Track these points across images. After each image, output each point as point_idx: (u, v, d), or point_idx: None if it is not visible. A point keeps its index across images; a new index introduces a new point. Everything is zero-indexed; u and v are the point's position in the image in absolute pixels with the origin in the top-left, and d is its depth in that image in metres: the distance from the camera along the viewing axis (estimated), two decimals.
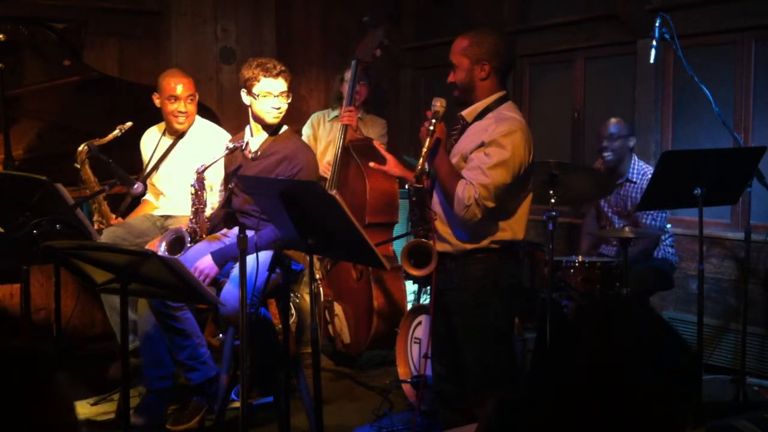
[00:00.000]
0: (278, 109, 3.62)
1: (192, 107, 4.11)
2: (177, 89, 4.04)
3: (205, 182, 3.72)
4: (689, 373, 1.28)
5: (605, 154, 4.33)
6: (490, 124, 2.92)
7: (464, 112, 3.04)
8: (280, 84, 3.60)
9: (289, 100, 3.65)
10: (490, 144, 2.85)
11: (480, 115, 2.99)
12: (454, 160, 2.97)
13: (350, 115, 4.65)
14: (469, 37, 2.99)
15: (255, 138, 3.70)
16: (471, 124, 3.01)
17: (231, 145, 3.63)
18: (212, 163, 3.68)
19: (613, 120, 4.36)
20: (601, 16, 5.21)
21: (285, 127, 3.74)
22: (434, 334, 3.17)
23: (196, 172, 3.66)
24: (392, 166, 3.17)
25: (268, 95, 3.58)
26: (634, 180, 4.32)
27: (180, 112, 4.07)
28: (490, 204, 2.83)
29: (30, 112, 4.76)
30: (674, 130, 4.95)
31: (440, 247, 3.01)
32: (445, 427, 3.02)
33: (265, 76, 3.57)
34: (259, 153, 3.64)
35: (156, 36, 6.02)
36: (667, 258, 4.36)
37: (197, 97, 4.16)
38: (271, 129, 3.69)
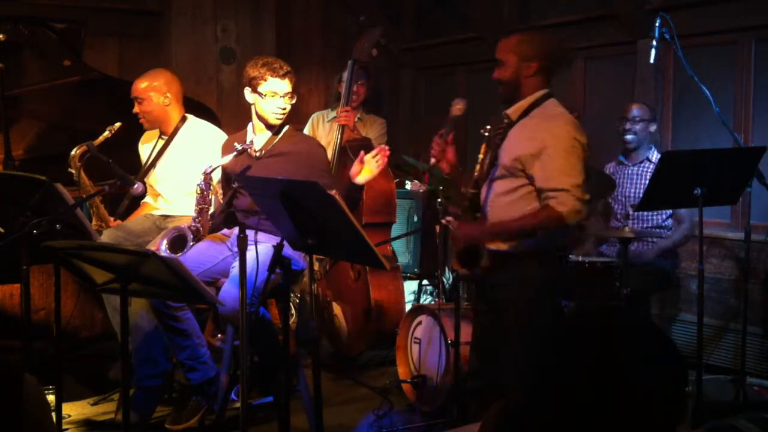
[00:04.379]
0: (284, 109, 3.63)
1: (140, 108, 4.06)
2: (132, 92, 4.07)
3: (212, 182, 3.71)
4: (683, 373, 1.29)
5: (627, 136, 4.43)
6: (541, 121, 2.96)
7: (509, 111, 3.05)
8: (286, 85, 3.60)
9: (294, 101, 3.66)
10: (551, 145, 2.88)
11: (525, 113, 3.01)
12: (502, 160, 2.98)
13: (347, 115, 4.65)
14: (519, 36, 3.04)
15: (258, 137, 3.71)
16: (516, 123, 3.01)
17: (239, 147, 3.60)
18: (220, 164, 3.66)
19: (635, 105, 4.48)
20: (601, 16, 5.21)
21: (287, 126, 3.75)
22: (478, 329, 3.17)
23: (204, 173, 3.63)
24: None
25: (274, 95, 3.59)
26: (653, 160, 4.39)
27: (136, 113, 4.08)
28: (586, 196, 2.87)
29: (30, 112, 4.75)
30: (674, 130, 4.96)
31: (495, 246, 3.00)
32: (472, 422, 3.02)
33: (272, 76, 3.58)
34: (263, 152, 3.64)
35: (156, 36, 6.02)
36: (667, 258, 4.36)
37: (150, 98, 4.06)
38: (274, 128, 3.70)
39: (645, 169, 4.42)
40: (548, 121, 2.94)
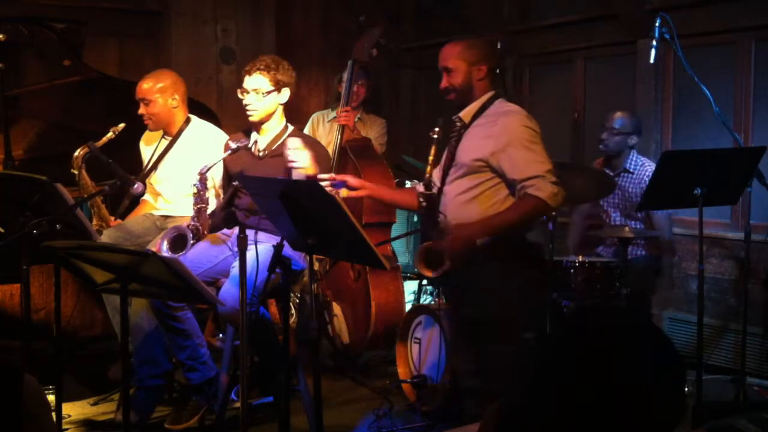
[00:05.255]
0: (248, 106, 3.60)
1: (146, 110, 4.02)
2: (137, 93, 4.04)
3: (207, 182, 3.72)
4: (681, 373, 1.30)
5: (600, 145, 4.37)
6: (496, 118, 3.05)
7: (462, 114, 3.15)
8: (254, 81, 3.58)
9: (270, 97, 3.58)
10: (512, 140, 2.98)
11: (477, 114, 3.11)
12: (462, 160, 3.07)
13: (347, 115, 4.65)
14: (462, 42, 3.15)
15: (262, 137, 3.71)
16: (470, 125, 3.10)
17: (234, 145, 3.61)
18: (215, 164, 3.67)
19: (619, 114, 4.35)
20: (601, 16, 5.21)
21: (291, 127, 3.75)
22: (454, 330, 3.21)
23: (199, 173, 3.63)
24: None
25: (243, 93, 3.60)
26: (631, 170, 4.31)
27: (141, 114, 4.06)
28: (558, 179, 2.98)
29: (30, 112, 4.75)
30: (674, 130, 4.95)
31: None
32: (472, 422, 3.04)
33: (245, 74, 3.61)
34: (266, 152, 3.64)
35: (156, 36, 6.03)
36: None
37: (157, 100, 4.01)
38: (259, 127, 3.68)
39: (626, 181, 4.32)
40: (503, 117, 3.05)
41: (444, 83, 3.15)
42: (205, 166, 3.64)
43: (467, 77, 3.10)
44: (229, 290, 3.41)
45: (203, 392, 3.71)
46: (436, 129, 3.12)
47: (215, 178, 3.99)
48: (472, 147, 3.06)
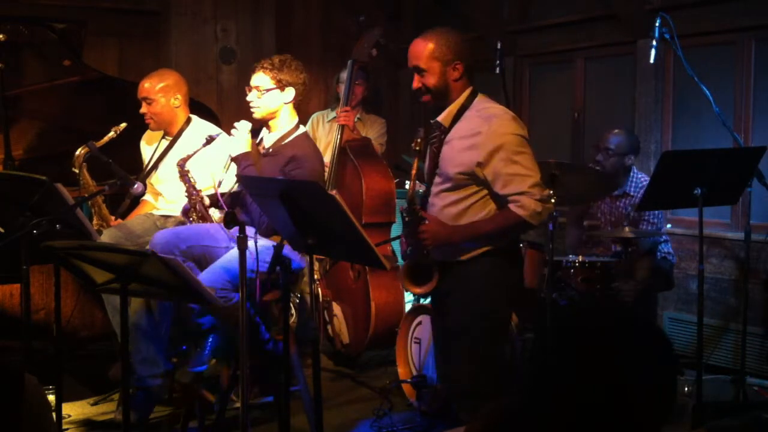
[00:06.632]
0: (250, 103, 3.62)
1: (148, 109, 4.03)
2: (139, 92, 4.05)
3: (189, 174, 3.78)
4: (676, 372, 1.30)
5: (596, 167, 4.23)
6: (479, 124, 2.83)
7: (440, 118, 2.93)
8: (256, 78, 3.61)
9: (268, 95, 3.58)
10: (498, 150, 2.78)
11: (457, 116, 2.90)
12: (446, 171, 2.90)
13: (347, 115, 4.65)
14: (433, 39, 2.89)
15: (270, 135, 3.72)
16: (451, 129, 2.91)
17: (208, 137, 3.69)
18: (191, 155, 3.73)
19: (615, 132, 4.25)
20: (601, 16, 5.21)
21: (303, 128, 3.73)
22: (436, 337, 3.18)
23: (177, 165, 3.72)
24: None
25: (248, 90, 3.63)
26: (632, 194, 4.25)
27: (143, 113, 4.06)
28: (546, 190, 2.84)
29: (30, 112, 4.75)
30: (674, 130, 4.95)
31: (442, 256, 2.97)
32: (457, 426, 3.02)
33: (251, 71, 3.65)
34: (270, 150, 3.65)
35: (156, 36, 6.02)
36: (666, 258, 4.35)
37: (159, 99, 4.03)
38: (264, 124, 3.71)
39: (624, 203, 4.26)
40: (486, 124, 2.81)
41: (416, 84, 2.92)
42: (182, 159, 3.74)
43: (442, 78, 2.87)
44: (212, 270, 3.45)
45: (215, 334, 3.73)
46: (418, 140, 2.88)
47: (214, 175, 4.01)
48: (455, 158, 2.87)
